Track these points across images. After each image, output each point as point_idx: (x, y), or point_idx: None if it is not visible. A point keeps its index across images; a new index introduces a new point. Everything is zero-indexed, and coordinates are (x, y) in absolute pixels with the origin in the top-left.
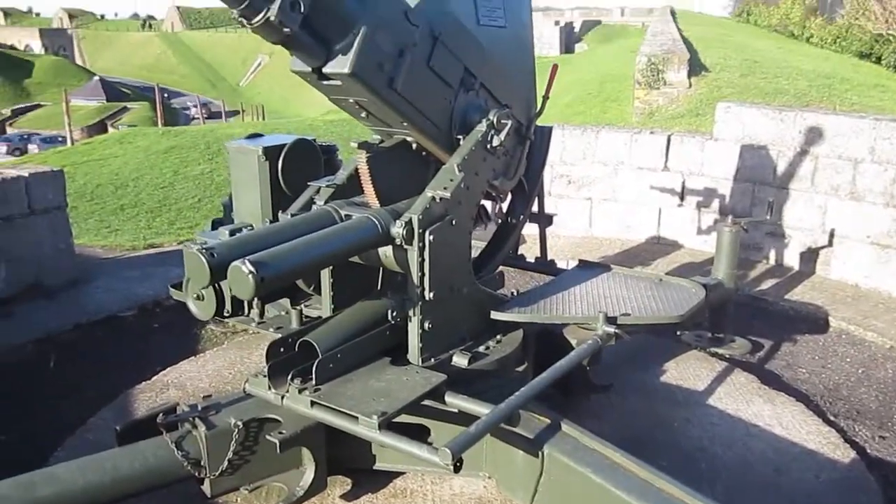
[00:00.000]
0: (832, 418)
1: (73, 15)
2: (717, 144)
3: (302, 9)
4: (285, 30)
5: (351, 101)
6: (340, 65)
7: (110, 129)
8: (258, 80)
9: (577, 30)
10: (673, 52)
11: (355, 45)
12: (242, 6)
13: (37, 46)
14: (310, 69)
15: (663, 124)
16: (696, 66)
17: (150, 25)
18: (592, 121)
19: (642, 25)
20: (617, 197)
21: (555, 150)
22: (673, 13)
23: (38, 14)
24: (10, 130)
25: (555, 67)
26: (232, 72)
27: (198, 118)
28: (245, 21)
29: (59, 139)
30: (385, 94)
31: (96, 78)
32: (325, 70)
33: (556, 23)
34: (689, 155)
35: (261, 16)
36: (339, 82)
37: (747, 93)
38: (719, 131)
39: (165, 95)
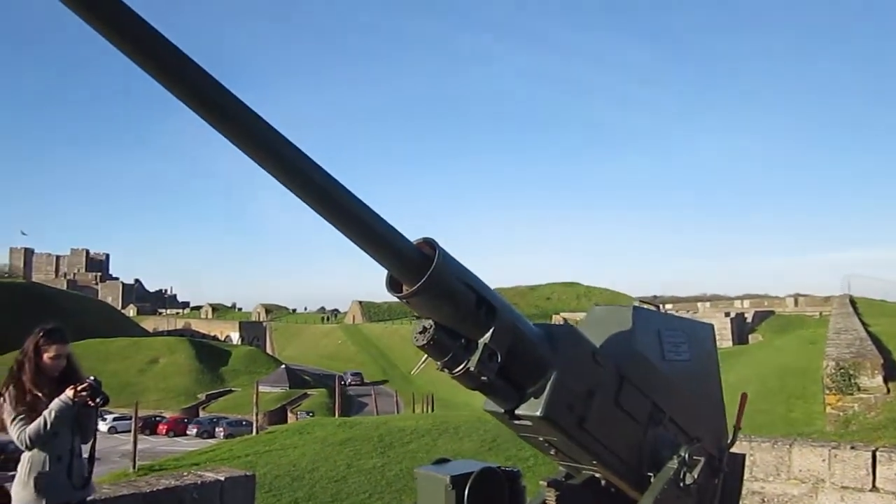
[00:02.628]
0: None
1: (268, 309)
2: None
3: (499, 359)
4: (483, 378)
5: (541, 439)
6: (532, 408)
7: (290, 415)
8: (428, 369)
9: (749, 320)
10: (863, 356)
11: (547, 389)
12: (446, 359)
13: (235, 337)
14: (502, 410)
15: (863, 436)
16: (892, 370)
17: (330, 318)
18: (778, 420)
19: (819, 315)
20: None
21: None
22: (853, 303)
23: (240, 309)
24: (202, 414)
25: (744, 397)
26: (404, 361)
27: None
28: (448, 371)
29: (244, 423)
30: (575, 433)
31: (283, 367)
32: (518, 412)
33: (727, 314)
34: None
35: (461, 367)
36: (530, 423)
37: None
38: None
39: (343, 383)
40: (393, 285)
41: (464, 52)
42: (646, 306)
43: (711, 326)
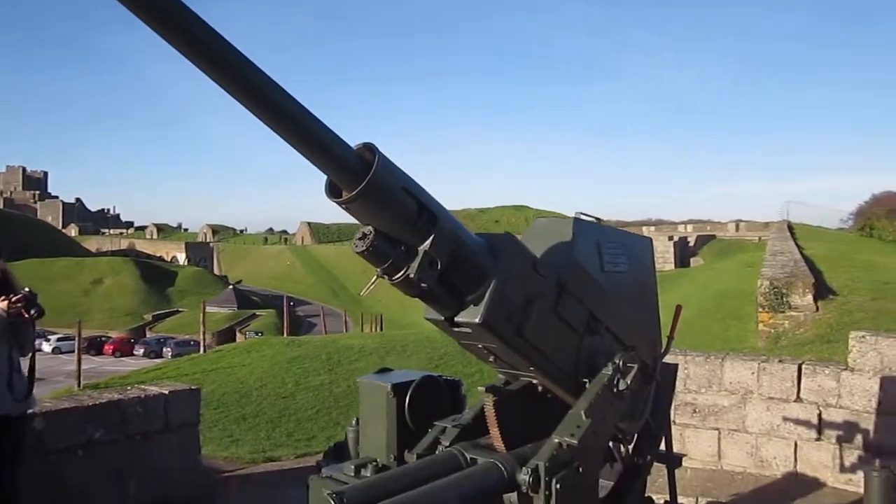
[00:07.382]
0: None
1: (215, 230)
2: (854, 375)
3: (439, 266)
4: (423, 285)
5: (480, 346)
6: (472, 315)
7: (238, 335)
8: (377, 290)
9: (691, 244)
10: (796, 276)
11: (486, 297)
12: (385, 265)
13: (182, 258)
14: (442, 318)
15: (791, 351)
16: (822, 289)
17: (278, 239)
18: (714, 338)
19: (759, 240)
20: (747, 428)
21: (678, 378)
22: (791, 228)
23: (186, 229)
24: (149, 334)
25: (678, 308)
26: (353, 282)
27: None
28: (387, 277)
29: (192, 343)
30: (513, 341)
31: (230, 287)
32: (457, 319)
33: (670, 238)
34: (823, 385)
35: (401, 273)
36: (469, 330)
37: (881, 318)
38: (854, 361)
39: (291, 304)
40: (332, 191)
41: None
42: (586, 218)
43: (650, 240)
